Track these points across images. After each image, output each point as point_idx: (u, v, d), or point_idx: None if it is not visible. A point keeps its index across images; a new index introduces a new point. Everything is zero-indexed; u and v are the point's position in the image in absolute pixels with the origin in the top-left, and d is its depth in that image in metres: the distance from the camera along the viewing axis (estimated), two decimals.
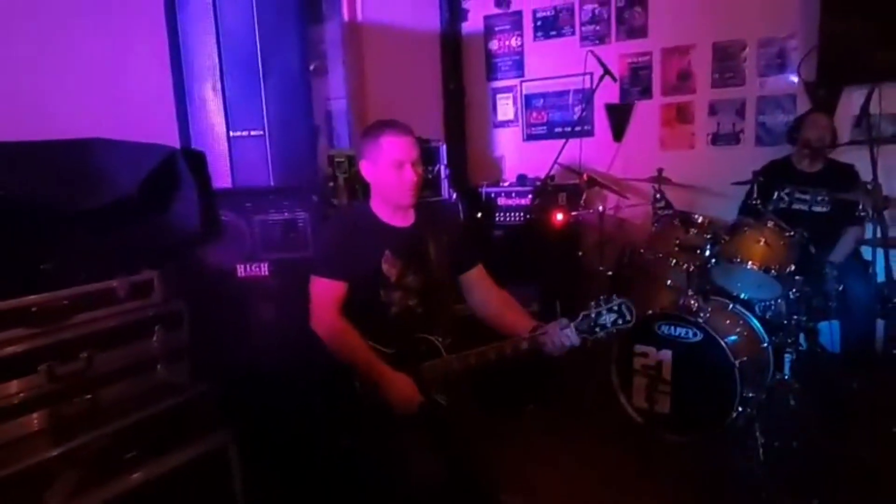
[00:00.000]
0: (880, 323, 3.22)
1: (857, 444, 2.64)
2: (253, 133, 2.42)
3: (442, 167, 3.61)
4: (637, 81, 4.31)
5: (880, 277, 3.11)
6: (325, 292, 1.93)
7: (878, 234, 2.65)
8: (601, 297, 1.76)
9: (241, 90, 2.40)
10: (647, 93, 4.29)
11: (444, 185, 3.62)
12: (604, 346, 3.02)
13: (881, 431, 2.70)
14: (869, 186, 2.64)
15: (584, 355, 3.41)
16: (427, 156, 3.55)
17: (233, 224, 2.46)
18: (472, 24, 4.81)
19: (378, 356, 1.87)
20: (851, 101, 3.66)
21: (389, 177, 1.88)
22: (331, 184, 3.33)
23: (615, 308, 1.72)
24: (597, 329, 1.73)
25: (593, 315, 1.73)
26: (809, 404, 2.71)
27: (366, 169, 1.95)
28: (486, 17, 4.76)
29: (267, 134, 2.43)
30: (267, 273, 2.49)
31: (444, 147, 3.69)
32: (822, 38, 3.58)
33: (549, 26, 4.57)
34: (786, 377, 2.81)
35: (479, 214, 4.18)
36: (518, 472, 2.65)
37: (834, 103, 3.71)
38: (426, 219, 2.04)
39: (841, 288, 3.10)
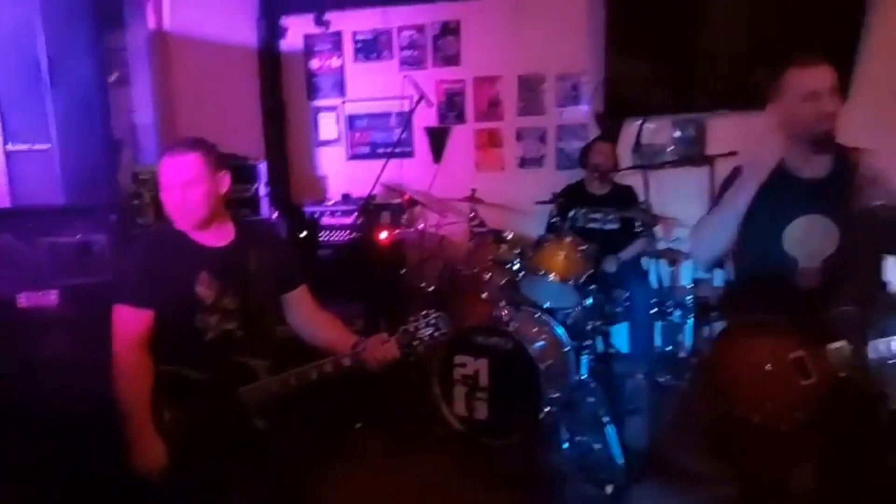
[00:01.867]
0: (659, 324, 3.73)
1: (643, 432, 3.03)
2: (36, 146, 2.16)
3: (261, 186, 3.51)
4: (453, 106, 4.57)
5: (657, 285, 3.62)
6: (127, 323, 1.79)
7: (651, 247, 3.09)
8: (420, 312, 1.85)
9: (21, 99, 2.13)
10: (461, 118, 4.57)
11: (264, 203, 3.53)
12: (427, 359, 3.16)
13: (660, 420, 3.14)
14: (643, 206, 3.06)
15: (408, 369, 3.52)
16: (244, 174, 3.44)
17: (9, 247, 2.17)
18: (292, 42, 4.76)
19: (185, 386, 1.80)
20: (632, 132, 4.22)
21: (164, 199, 1.83)
22: (135, 202, 3.09)
23: (432, 321, 1.82)
24: (416, 342, 1.81)
25: (412, 329, 1.81)
26: (604, 400, 3.05)
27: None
28: (306, 37, 4.74)
29: (55, 147, 2.18)
30: (56, 301, 2.22)
31: (264, 165, 3.59)
32: (607, 75, 4.10)
33: (369, 49, 4.67)
34: (584, 377, 3.13)
35: (303, 234, 4.13)
36: (345, 491, 2.64)
37: (618, 133, 4.26)
38: (246, 238, 1.98)
39: (626, 295, 3.54)
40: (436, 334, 1.82)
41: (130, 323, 1.79)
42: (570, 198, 3.77)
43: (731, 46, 3.83)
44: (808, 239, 1.79)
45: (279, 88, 4.77)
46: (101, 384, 1.79)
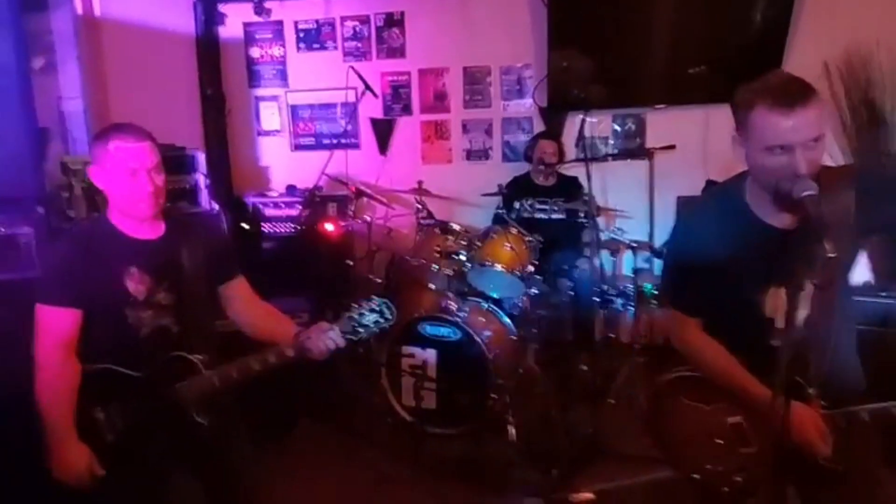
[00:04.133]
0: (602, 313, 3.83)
1: (586, 416, 3.11)
2: None
3: (200, 176, 3.40)
4: (398, 98, 4.54)
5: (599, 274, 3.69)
6: (51, 324, 1.70)
7: (594, 238, 3.16)
8: (362, 299, 1.83)
9: None
10: (407, 109, 4.55)
11: (204, 194, 3.42)
12: (375, 351, 3.15)
13: (603, 404, 3.22)
14: (586, 197, 3.13)
15: (356, 360, 3.50)
16: (182, 164, 3.33)
17: None
18: (231, 30, 4.62)
19: (119, 384, 1.73)
20: (575, 125, 4.30)
21: (123, 185, 1.71)
22: (65, 194, 2.95)
23: (376, 308, 1.80)
24: (360, 329, 1.79)
25: (356, 316, 1.79)
26: (549, 386, 3.11)
27: (96, 176, 1.76)
28: (246, 24, 4.61)
29: None
30: None
31: (203, 155, 3.48)
32: (550, 70, 4.16)
33: (311, 39, 4.58)
34: (530, 364, 3.18)
35: (246, 226, 4.03)
36: (290, 485, 2.61)
37: (561, 126, 4.33)
38: (179, 229, 1.90)
39: (571, 284, 3.62)
40: (381, 321, 1.80)
41: (55, 324, 1.70)
42: (516, 189, 3.82)
43: (668, 43, 3.95)
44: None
45: (218, 77, 4.63)
46: (24, 388, 1.70)
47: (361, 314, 1.79)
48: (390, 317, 1.81)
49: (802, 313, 1.29)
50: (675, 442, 1.74)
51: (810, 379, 1.46)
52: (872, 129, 3.73)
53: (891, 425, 1.45)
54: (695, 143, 4.10)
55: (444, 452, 2.93)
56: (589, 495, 2.52)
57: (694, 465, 1.69)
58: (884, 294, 2.85)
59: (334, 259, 3.99)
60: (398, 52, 4.49)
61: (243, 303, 1.99)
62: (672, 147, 3.83)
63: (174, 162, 3.27)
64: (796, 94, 1.35)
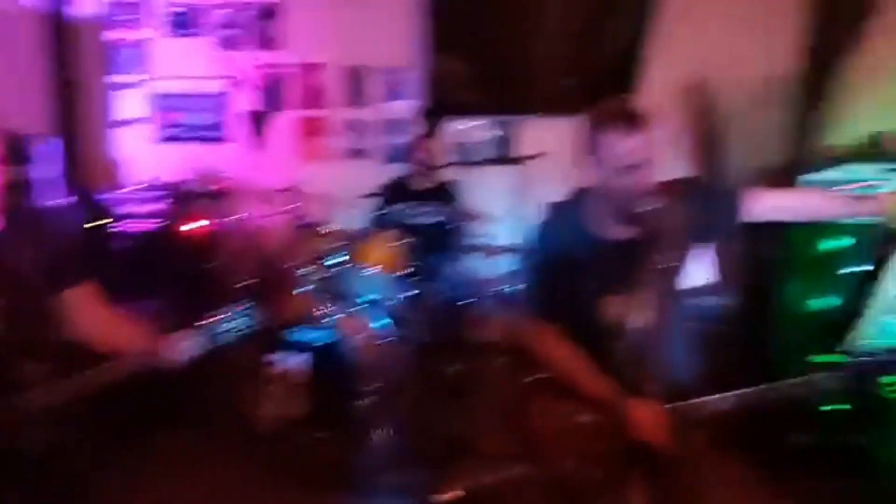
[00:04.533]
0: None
1: (454, 417, 3.19)
2: None
3: (45, 167, 3.08)
4: (275, 92, 4.39)
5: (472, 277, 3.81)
6: None
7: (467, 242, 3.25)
8: (228, 303, 1.75)
9: None
10: (285, 105, 4.41)
11: (46, 188, 3.10)
12: (241, 358, 3.03)
13: (470, 404, 3.32)
14: (460, 202, 3.22)
15: (221, 366, 3.34)
16: (20, 153, 2.99)
17: None
18: (88, 7, 4.23)
19: None
20: (453, 129, 4.39)
21: None
22: None
23: (242, 312, 1.73)
24: (224, 335, 1.72)
25: (218, 322, 1.71)
26: (420, 387, 3.15)
27: None
28: (107, 3, 4.24)
29: None
30: None
31: (46, 144, 3.16)
32: (430, 73, 4.23)
33: (182, 24, 4.31)
34: (403, 367, 3.20)
35: (98, 222, 3.70)
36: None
37: (440, 129, 4.41)
38: (18, 227, 1.71)
39: (444, 286, 3.69)
40: (246, 327, 1.74)
41: None
42: (393, 192, 3.83)
43: (544, 55, 4.17)
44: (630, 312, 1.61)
45: (70, 58, 4.20)
46: None
47: (226, 319, 1.72)
48: (255, 323, 1.75)
49: (640, 318, 1.45)
50: (537, 440, 1.82)
51: (649, 378, 1.61)
52: (710, 147, 4.16)
53: (722, 416, 1.63)
54: (565, 152, 4.32)
55: (313, 458, 2.87)
56: (456, 492, 2.58)
57: (555, 462, 1.78)
58: (718, 296, 3.20)
59: (199, 260, 3.77)
60: (276, 43, 4.34)
61: (91, 310, 1.82)
62: (543, 155, 4.03)
63: (11, 151, 2.93)
64: (638, 119, 1.57)
